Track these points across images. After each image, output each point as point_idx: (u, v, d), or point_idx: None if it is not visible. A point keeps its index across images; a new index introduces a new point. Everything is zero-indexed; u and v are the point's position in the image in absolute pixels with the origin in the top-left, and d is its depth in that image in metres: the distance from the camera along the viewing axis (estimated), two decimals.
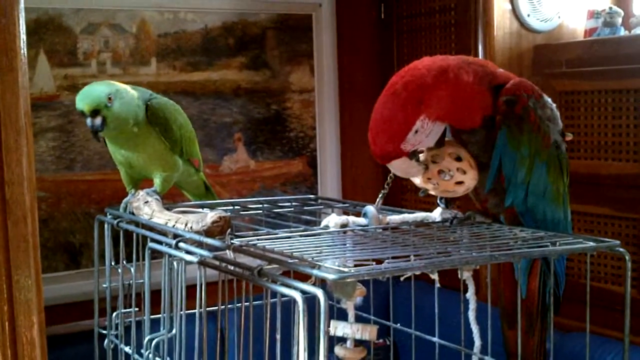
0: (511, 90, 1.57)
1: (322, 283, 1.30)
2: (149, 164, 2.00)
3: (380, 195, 1.72)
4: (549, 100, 1.65)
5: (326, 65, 3.15)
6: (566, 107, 2.59)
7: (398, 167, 1.55)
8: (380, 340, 2.83)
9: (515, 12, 2.71)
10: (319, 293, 1.13)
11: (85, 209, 2.69)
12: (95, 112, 1.82)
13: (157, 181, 2.00)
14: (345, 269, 1.19)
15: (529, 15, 2.71)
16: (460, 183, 1.62)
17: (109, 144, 2.01)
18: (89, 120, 1.82)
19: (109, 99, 1.83)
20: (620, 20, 2.65)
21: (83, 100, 1.83)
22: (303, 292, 1.18)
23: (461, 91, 1.53)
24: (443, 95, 1.50)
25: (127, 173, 2.05)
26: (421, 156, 1.61)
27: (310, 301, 1.14)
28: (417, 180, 1.66)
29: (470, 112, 1.56)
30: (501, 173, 1.60)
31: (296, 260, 1.29)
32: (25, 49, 1.14)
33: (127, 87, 1.93)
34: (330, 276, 1.17)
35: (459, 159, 1.61)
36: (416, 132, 1.50)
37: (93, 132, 1.84)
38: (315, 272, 1.21)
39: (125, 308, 1.89)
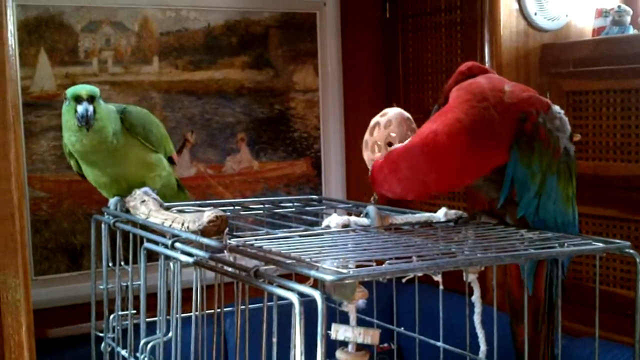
0: (520, 107, 1.54)
1: (323, 285, 1.26)
2: (137, 173, 1.97)
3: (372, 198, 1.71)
4: (557, 108, 1.61)
5: (330, 65, 3.11)
6: (574, 107, 2.54)
7: None
8: (385, 345, 2.79)
9: (522, 10, 2.66)
10: (316, 295, 1.08)
11: (86, 209, 2.66)
12: (91, 99, 1.82)
13: (150, 178, 1.99)
14: (344, 270, 1.14)
15: (536, 14, 2.67)
16: None
17: (89, 171, 1.98)
18: (84, 105, 1.80)
19: (99, 96, 1.86)
20: (629, 19, 2.60)
21: (82, 87, 1.85)
22: (301, 294, 1.13)
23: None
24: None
25: (111, 191, 2.01)
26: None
27: (311, 304, 1.10)
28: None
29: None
30: (513, 188, 1.56)
31: (294, 261, 1.25)
32: (13, 40, 1.11)
33: None
34: (328, 277, 1.13)
35: None
36: None
37: (86, 118, 1.81)
38: (312, 273, 1.16)
39: (122, 310, 1.85)
